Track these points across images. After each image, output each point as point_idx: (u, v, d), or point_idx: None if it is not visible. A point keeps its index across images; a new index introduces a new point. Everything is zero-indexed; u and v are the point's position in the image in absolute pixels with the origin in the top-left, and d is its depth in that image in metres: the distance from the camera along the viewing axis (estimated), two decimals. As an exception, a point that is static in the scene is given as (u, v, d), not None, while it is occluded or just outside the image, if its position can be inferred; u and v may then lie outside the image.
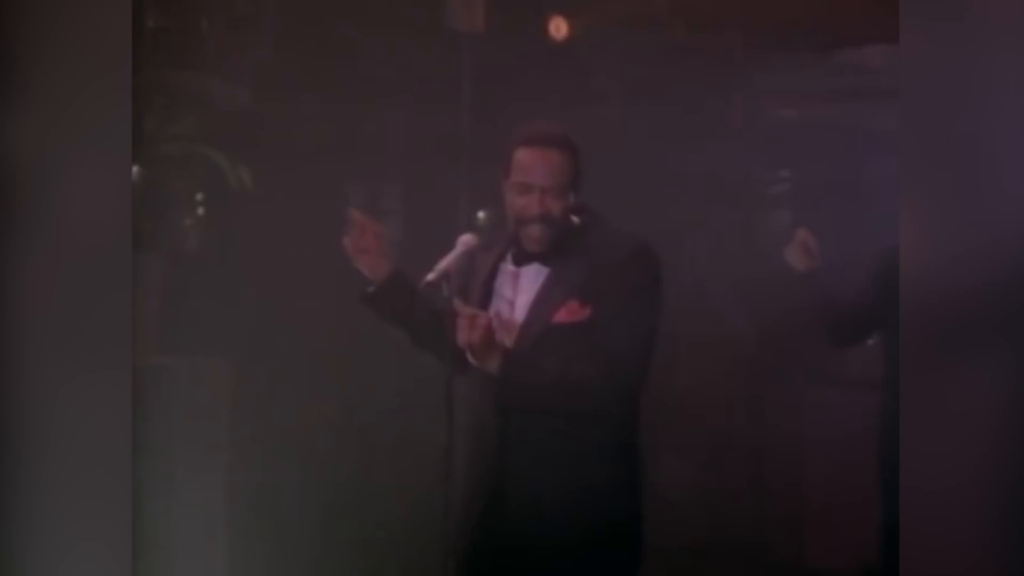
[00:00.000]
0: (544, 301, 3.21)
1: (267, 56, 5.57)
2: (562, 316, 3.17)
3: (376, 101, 5.72)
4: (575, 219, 3.26)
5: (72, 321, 2.67)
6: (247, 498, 4.93)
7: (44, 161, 2.66)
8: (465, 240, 3.20)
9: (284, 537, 5.25)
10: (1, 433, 2.63)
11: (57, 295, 2.66)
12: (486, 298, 3.30)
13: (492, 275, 3.32)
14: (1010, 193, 2.63)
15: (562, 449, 3.18)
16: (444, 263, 3.14)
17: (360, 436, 5.59)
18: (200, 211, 5.59)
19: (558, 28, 5.76)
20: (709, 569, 5.91)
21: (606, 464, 3.20)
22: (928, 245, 2.68)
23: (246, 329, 5.30)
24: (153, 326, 4.71)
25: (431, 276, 3.12)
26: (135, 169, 4.57)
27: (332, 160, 5.72)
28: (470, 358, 3.14)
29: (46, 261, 2.66)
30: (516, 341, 3.19)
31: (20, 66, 2.66)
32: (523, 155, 3.21)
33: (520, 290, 3.26)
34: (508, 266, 3.30)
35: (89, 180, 2.67)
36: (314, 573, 5.24)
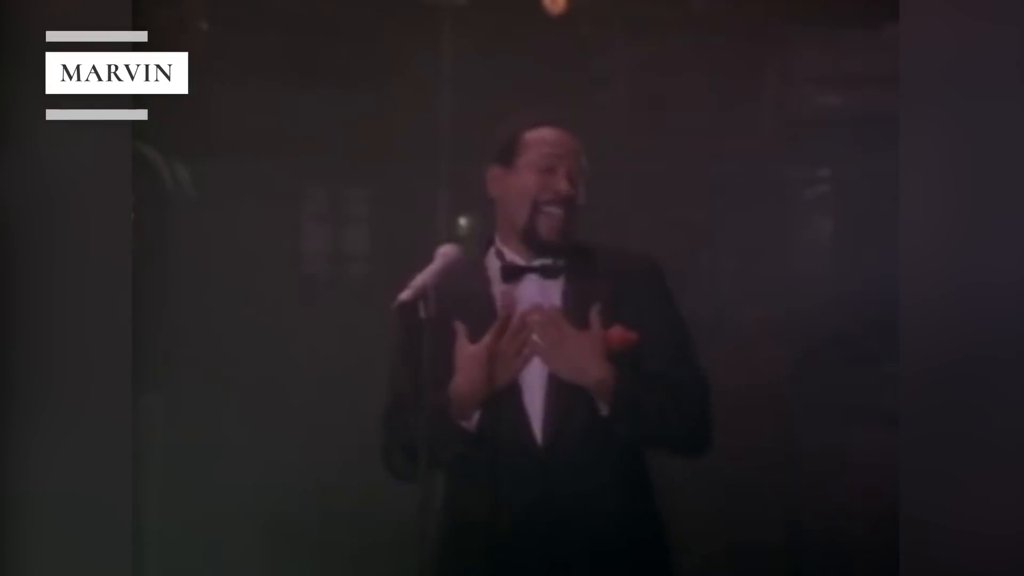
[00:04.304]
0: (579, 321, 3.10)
1: (207, 31, 5.34)
2: (613, 339, 3.05)
3: (339, 87, 5.44)
4: None
5: (71, 334, 2.96)
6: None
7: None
8: (445, 252, 3.06)
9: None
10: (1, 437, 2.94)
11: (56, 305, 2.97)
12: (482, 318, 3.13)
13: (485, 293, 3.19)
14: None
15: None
16: (421, 279, 2.95)
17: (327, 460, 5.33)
18: (131, 215, 5.11)
19: (554, -1, 5.59)
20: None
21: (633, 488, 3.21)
22: (930, 254, 2.78)
23: (179, 347, 5.11)
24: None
25: (405, 295, 2.93)
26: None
27: (287, 155, 5.45)
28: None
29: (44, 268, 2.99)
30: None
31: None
32: (543, 133, 3.18)
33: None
34: (498, 284, 3.18)
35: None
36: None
